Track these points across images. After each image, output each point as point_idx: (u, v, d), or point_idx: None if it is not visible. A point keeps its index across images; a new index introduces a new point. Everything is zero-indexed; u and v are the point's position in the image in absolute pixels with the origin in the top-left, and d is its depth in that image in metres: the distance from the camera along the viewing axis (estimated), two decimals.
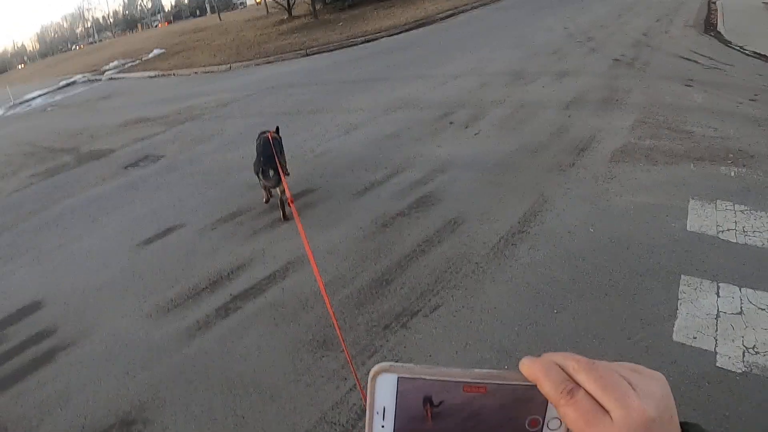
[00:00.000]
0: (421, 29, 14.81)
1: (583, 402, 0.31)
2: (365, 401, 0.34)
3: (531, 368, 0.33)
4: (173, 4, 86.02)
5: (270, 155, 4.01)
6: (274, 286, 3.35)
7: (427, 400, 0.33)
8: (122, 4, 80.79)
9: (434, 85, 8.03)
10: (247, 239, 4.05)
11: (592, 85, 6.81)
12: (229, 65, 14.06)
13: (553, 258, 3.22)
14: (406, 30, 14.73)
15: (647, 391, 0.32)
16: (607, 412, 0.30)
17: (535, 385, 0.33)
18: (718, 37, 9.11)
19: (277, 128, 4.89)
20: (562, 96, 6.52)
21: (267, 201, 4.58)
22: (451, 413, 0.33)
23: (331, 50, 13.42)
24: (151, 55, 22.90)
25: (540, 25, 12.06)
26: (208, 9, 41.01)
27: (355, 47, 13.37)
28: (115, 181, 6.61)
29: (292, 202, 3.30)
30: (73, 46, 72.39)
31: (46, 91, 21.87)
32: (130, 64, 22.55)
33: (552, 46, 9.62)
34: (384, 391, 0.33)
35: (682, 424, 0.34)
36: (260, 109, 8.51)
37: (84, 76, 23.29)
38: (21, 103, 20.45)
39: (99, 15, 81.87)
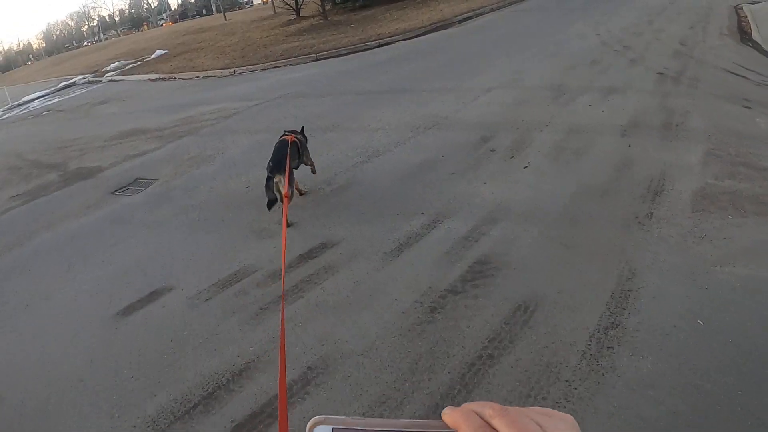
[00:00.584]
0: (438, 33, 13.82)
1: None
2: None
3: (452, 416, 0.36)
4: (179, 3, 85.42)
5: (279, 160, 3.86)
6: (290, 408, 2.39)
7: None
8: (128, 2, 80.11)
9: (465, 99, 7.05)
10: (253, 321, 3.09)
11: (644, 105, 5.92)
12: (233, 69, 13.13)
13: (664, 372, 2.29)
14: (423, 33, 13.75)
15: (555, 430, 0.34)
16: None
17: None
18: (757, 47, 8.40)
19: (303, 128, 4.69)
20: (615, 118, 5.61)
21: (270, 204, 4.12)
22: None
23: (343, 54, 12.46)
24: (153, 56, 22.08)
25: (570, 31, 11.05)
26: (214, 8, 40.10)
27: (368, 51, 12.41)
28: (99, 210, 5.71)
29: (287, 196, 3.23)
30: (80, 44, 71.84)
31: (44, 93, 21.20)
32: (131, 66, 21.76)
33: (588, 55, 8.65)
34: None
35: None
36: (266, 123, 7.56)
37: (84, 77, 22.60)
38: (18, 106, 19.72)
39: (105, 14, 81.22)
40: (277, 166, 3.89)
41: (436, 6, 18.39)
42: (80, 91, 19.07)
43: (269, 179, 3.96)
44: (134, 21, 78.65)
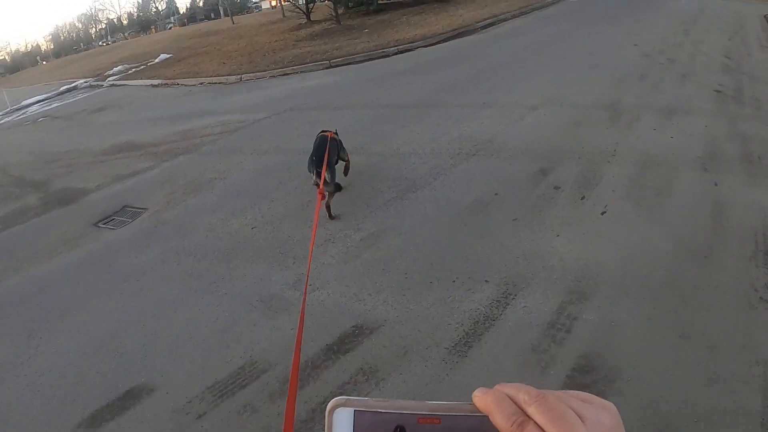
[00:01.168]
0: (461, 39, 12.86)
1: None
2: None
3: (483, 400, 0.33)
4: (188, 6, 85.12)
5: (322, 156, 3.90)
6: None
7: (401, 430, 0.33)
8: (136, 5, 79.88)
9: (509, 118, 6.06)
10: None
11: (715, 131, 5.10)
12: (239, 76, 12.20)
13: None
14: (444, 40, 12.79)
15: (596, 422, 0.31)
16: None
17: (488, 417, 0.33)
18: None
19: (336, 131, 4.60)
20: (688, 148, 4.76)
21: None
22: None
23: (360, 62, 11.50)
24: (156, 60, 21.28)
25: (604, 41, 10.14)
26: (222, 12, 39.37)
27: (387, 59, 11.45)
28: (78, 248, 4.79)
29: (321, 193, 3.20)
30: (88, 47, 71.60)
31: (44, 96, 20.51)
32: (133, 70, 20.97)
33: (633, 68, 7.75)
34: (341, 424, 0.33)
35: None
36: (276, 141, 6.60)
37: (86, 81, 21.91)
38: (17, 110, 19.02)
39: (113, 16, 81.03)
40: (319, 162, 3.91)
41: (455, 11, 17.45)
42: (80, 96, 18.33)
43: (318, 175, 3.86)
44: (142, 24, 78.40)
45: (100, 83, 20.31)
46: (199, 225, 4.61)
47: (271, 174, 5.44)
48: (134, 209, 5.44)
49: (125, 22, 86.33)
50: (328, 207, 4.14)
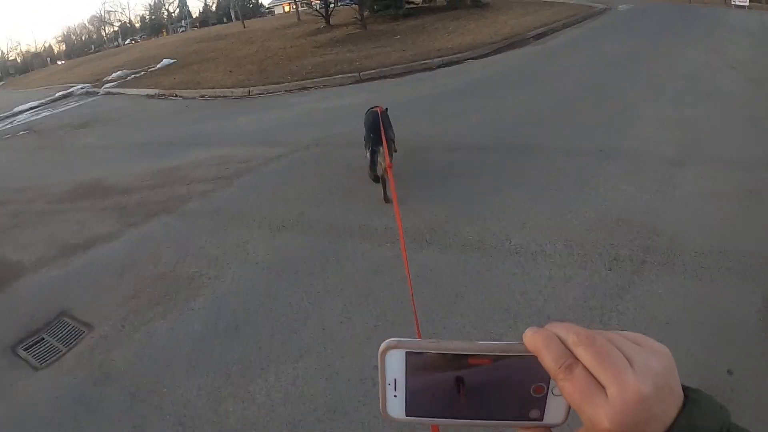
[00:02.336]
0: (514, 51, 10.63)
1: (580, 377, 0.31)
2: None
3: (533, 340, 0.33)
4: (201, 10, 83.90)
5: (379, 132, 3.63)
6: None
7: (459, 380, 0.34)
8: (148, 8, 78.72)
9: (655, 183, 3.85)
10: None
11: None
12: (247, 89, 10.02)
13: None
14: (495, 51, 10.57)
15: (645, 366, 0.30)
16: (603, 387, 0.30)
17: (537, 357, 0.32)
18: None
19: (386, 109, 4.33)
20: None
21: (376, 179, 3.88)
22: (461, 384, 0.34)
23: (398, 75, 9.28)
24: (159, 66, 19.30)
25: (690, 61, 8.20)
26: (233, 15, 37.41)
27: (431, 73, 9.21)
28: None
29: (390, 166, 2.96)
30: (98, 49, 70.54)
31: (38, 103, 18.64)
32: (132, 76, 19.03)
33: (762, 101, 5.59)
34: (394, 364, 0.34)
35: (686, 391, 0.32)
36: (298, 204, 4.34)
37: (83, 87, 20.04)
38: (7, 117, 17.15)
39: (125, 19, 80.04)
40: (378, 138, 3.61)
41: (496, 17, 15.23)
42: (72, 105, 16.41)
43: (374, 153, 3.73)
44: (154, 27, 77.29)
45: (96, 90, 18.47)
46: (167, 398, 2.35)
47: (293, 275, 3.19)
48: (74, 324, 3.23)
49: (137, 24, 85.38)
50: (384, 190, 3.92)
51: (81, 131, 10.40)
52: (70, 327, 3.27)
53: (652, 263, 2.90)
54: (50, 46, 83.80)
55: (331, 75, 9.67)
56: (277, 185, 4.72)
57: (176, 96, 12.08)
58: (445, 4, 17.71)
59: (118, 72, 20.29)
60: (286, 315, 2.85)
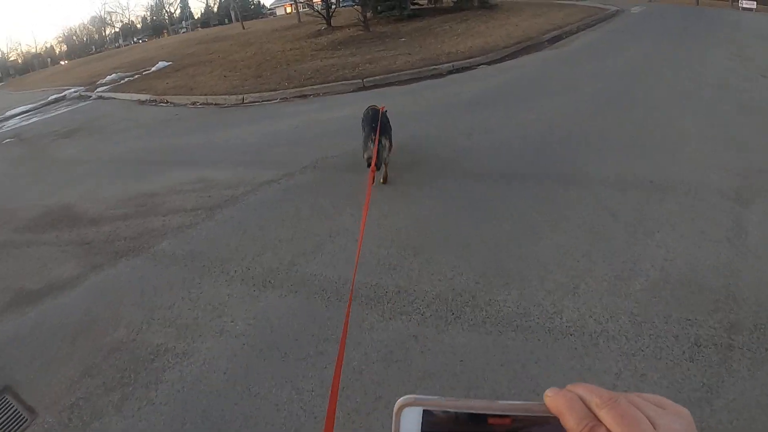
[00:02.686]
0: (529, 56, 9.90)
1: None
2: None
3: (555, 401, 0.32)
4: (202, 11, 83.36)
5: (379, 126, 3.88)
6: None
7: None
8: (150, 9, 78.13)
9: (716, 223, 3.18)
10: None
11: None
12: (241, 96, 9.30)
13: None
14: (508, 56, 9.84)
15: (669, 429, 0.30)
16: None
17: (559, 418, 0.32)
18: None
19: (385, 110, 4.43)
20: None
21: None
22: None
23: (405, 81, 8.55)
24: (153, 69, 18.64)
25: (718, 67, 7.65)
26: (233, 16, 36.64)
27: (442, 79, 8.48)
28: None
29: (374, 163, 3.23)
30: (100, 50, 70.10)
31: (31, 107, 18.08)
32: (126, 79, 18.38)
33: None
34: (409, 423, 0.33)
35: None
36: (291, 247, 3.62)
37: (76, 91, 19.45)
38: None
39: (125, 20, 79.61)
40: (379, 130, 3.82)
41: (506, 19, 14.49)
42: (63, 109, 15.78)
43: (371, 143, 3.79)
44: (156, 28, 76.80)
45: (88, 94, 17.86)
46: None
47: (281, 359, 2.45)
48: (17, 406, 2.51)
49: (139, 25, 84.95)
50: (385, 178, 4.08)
51: (65, 141, 9.73)
52: (12, 410, 2.56)
53: (740, 348, 2.18)
54: (52, 46, 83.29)
55: (332, 81, 8.94)
56: (265, 222, 3.98)
57: (167, 102, 11.39)
58: (452, 5, 16.96)
59: (113, 75, 19.65)
60: (271, 423, 2.12)
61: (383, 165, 4.01)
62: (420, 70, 8.88)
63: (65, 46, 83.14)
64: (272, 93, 8.98)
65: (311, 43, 14.62)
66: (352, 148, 4.95)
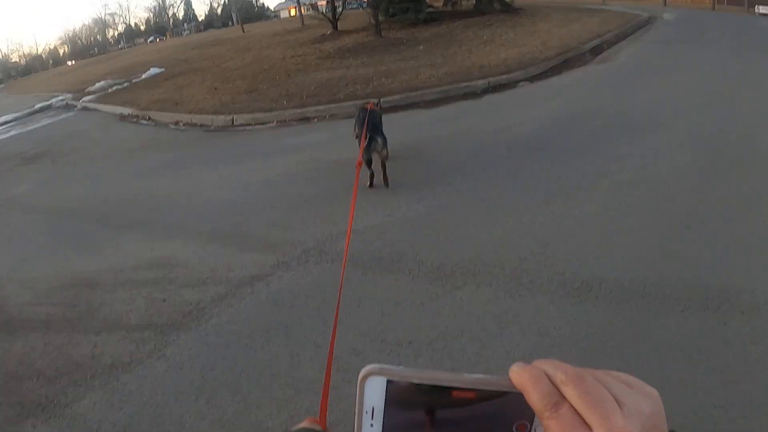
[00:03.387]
0: (573, 71, 8.30)
1: (566, 417, 0.30)
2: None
3: (519, 376, 0.32)
4: (206, 13, 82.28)
5: (376, 124, 3.94)
6: None
7: (440, 412, 0.32)
8: (153, 11, 76.99)
9: None
10: None
11: None
12: (230, 117, 7.68)
13: None
14: (552, 70, 8.27)
15: (635, 408, 0.30)
16: (590, 428, 0.29)
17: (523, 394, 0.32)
18: None
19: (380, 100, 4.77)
20: None
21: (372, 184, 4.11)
22: (442, 418, 0.33)
23: (431, 103, 6.94)
24: (144, 76, 17.16)
25: None
26: (234, 18, 35.04)
27: (475, 101, 6.87)
28: None
29: (360, 164, 2.78)
30: (102, 51, 69.17)
31: (12, 117, 16.68)
32: (115, 87, 16.93)
33: None
34: (373, 392, 0.33)
35: None
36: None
37: (63, 99, 18.03)
38: None
39: (127, 21, 78.72)
40: (374, 130, 3.84)
41: (533, 25, 12.88)
42: (44, 121, 14.48)
43: (372, 140, 3.80)
44: (159, 30, 75.84)
45: (74, 103, 16.41)
46: None
47: None
48: None
49: (142, 27, 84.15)
50: (385, 176, 4.09)
51: (25, 169, 8.25)
52: None
53: None
54: (55, 48, 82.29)
55: (340, 100, 7.32)
56: (241, 377, 2.33)
57: (149, 119, 9.84)
58: (472, 8, 15.34)
59: (102, 82, 18.16)
60: None
61: (381, 165, 3.99)
62: (448, 87, 7.26)
63: (68, 47, 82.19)
64: (267, 114, 7.37)
65: (315, 50, 13.01)
66: (379, 222, 3.31)
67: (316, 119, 6.97)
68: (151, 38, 66.78)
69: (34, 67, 67.02)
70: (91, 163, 7.34)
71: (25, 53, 75.75)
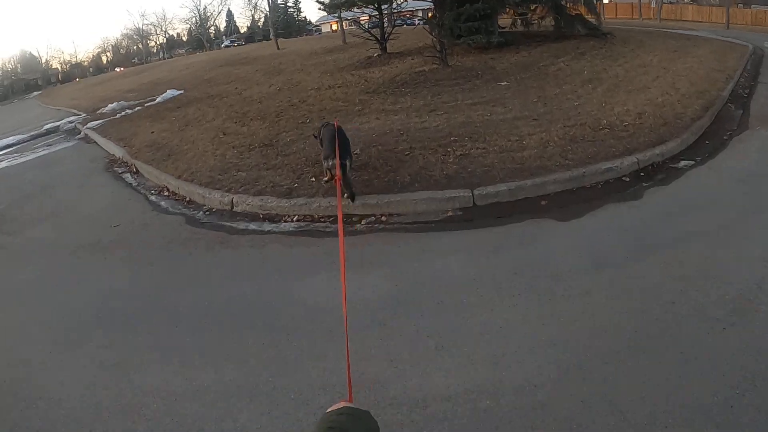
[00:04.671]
0: (745, 140, 5.23)
1: None
2: None
3: None
4: (248, 26, 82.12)
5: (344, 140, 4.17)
6: None
7: None
8: (194, 23, 77.09)
9: None
10: None
11: None
12: (230, 196, 4.91)
13: None
14: (709, 137, 5.29)
15: None
16: None
17: None
18: None
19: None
20: None
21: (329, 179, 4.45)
22: None
23: (559, 204, 4.01)
24: (158, 99, 14.97)
25: None
26: (271, 32, 33.04)
27: (637, 206, 3.87)
28: None
29: (339, 178, 3.28)
30: (143, 61, 69.63)
31: (16, 140, 14.81)
32: (126, 111, 14.74)
33: None
34: None
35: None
36: None
37: (72, 121, 16.08)
38: None
39: (167, 33, 79.40)
40: (335, 150, 3.91)
41: (637, 56, 9.88)
42: (41, 152, 12.57)
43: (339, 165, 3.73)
44: (198, 42, 75.99)
45: (79, 128, 14.34)
46: None
47: None
48: None
49: (185, 38, 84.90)
50: (351, 193, 4.18)
51: None
52: None
53: None
54: (99, 55, 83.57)
55: (405, 185, 4.43)
56: None
57: (135, 174, 7.31)
58: (551, 29, 12.35)
59: (114, 104, 16.07)
60: None
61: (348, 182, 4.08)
62: (580, 169, 4.30)
63: (110, 55, 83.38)
64: (284, 203, 4.55)
65: (360, 79, 10.26)
66: None
67: (364, 221, 4.11)
68: (225, 43, 66.46)
69: (74, 74, 67.74)
70: (19, 264, 4.72)
71: (66, 60, 76.97)
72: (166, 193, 5.86)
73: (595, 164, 4.49)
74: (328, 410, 0.81)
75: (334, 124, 4.36)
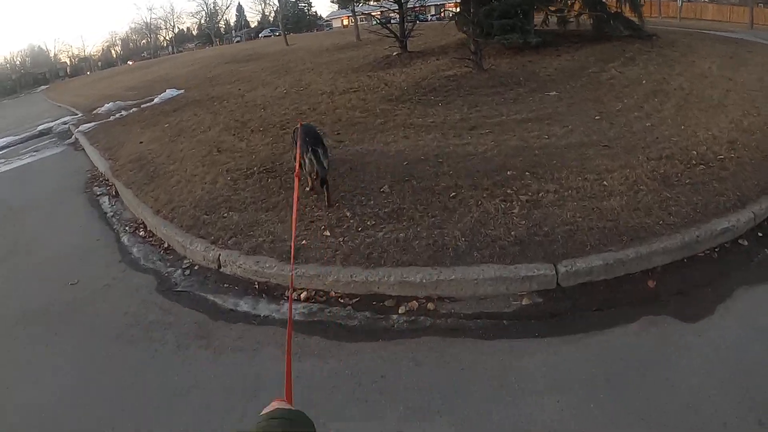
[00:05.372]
0: None
1: None
2: None
3: None
4: (259, 20, 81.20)
5: (316, 138, 3.96)
6: None
7: None
8: (202, 17, 76.22)
9: None
10: None
11: None
12: (217, 251, 3.70)
13: None
14: None
15: None
16: None
17: None
18: None
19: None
20: None
21: (312, 188, 4.20)
22: None
23: (677, 302, 2.70)
24: (156, 100, 13.92)
25: None
26: (280, 27, 31.72)
27: (755, 298, 2.55)
28: None
29: (297, 176, 2.94)
30: (151, 55, 69.01)
31: (4, 143, 13.92)
32: (120, 114, 13.72)
33: None
34: None
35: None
36: None
37: (65, 122, 15.32)
38: None
39: (176, 27, 78.78)
40: (313, 143, 3.84)
41: (692, 62, 8.61)
42: (27, 159, 11.81)
43: (315, 153, 3.80)
44: (207, 36, 75.37)
45: (72, 130, 13.43)
46: None
47: None
48: None
49: (195, 32, 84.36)
50: (328, 196, 3.98)
51: None
52: None
53: None
54: (109, 49, 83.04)
55: (458, 257, 3.20)
56: None
57: (113, 197, 6.17)
58: (590, 29, 11.00)
59: (109, 104, 15.10)
60: None
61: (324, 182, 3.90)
62: (688, 232, 3.07)
63: (120, 49, 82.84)
64: (287, 270, 3.34)
65: (379, 82, 9.01)
66: None
67: (401, 311, 2.88)
68: (237, 38, 65.49)
69: (83, 68, 67.14)
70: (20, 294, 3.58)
71: (74, 54, 76.39)
72: (141, 233, 4.69)
73: (707, 223, 3.23)
74: (261, 413, 0.79)
75: (298, 127, 4.18)
